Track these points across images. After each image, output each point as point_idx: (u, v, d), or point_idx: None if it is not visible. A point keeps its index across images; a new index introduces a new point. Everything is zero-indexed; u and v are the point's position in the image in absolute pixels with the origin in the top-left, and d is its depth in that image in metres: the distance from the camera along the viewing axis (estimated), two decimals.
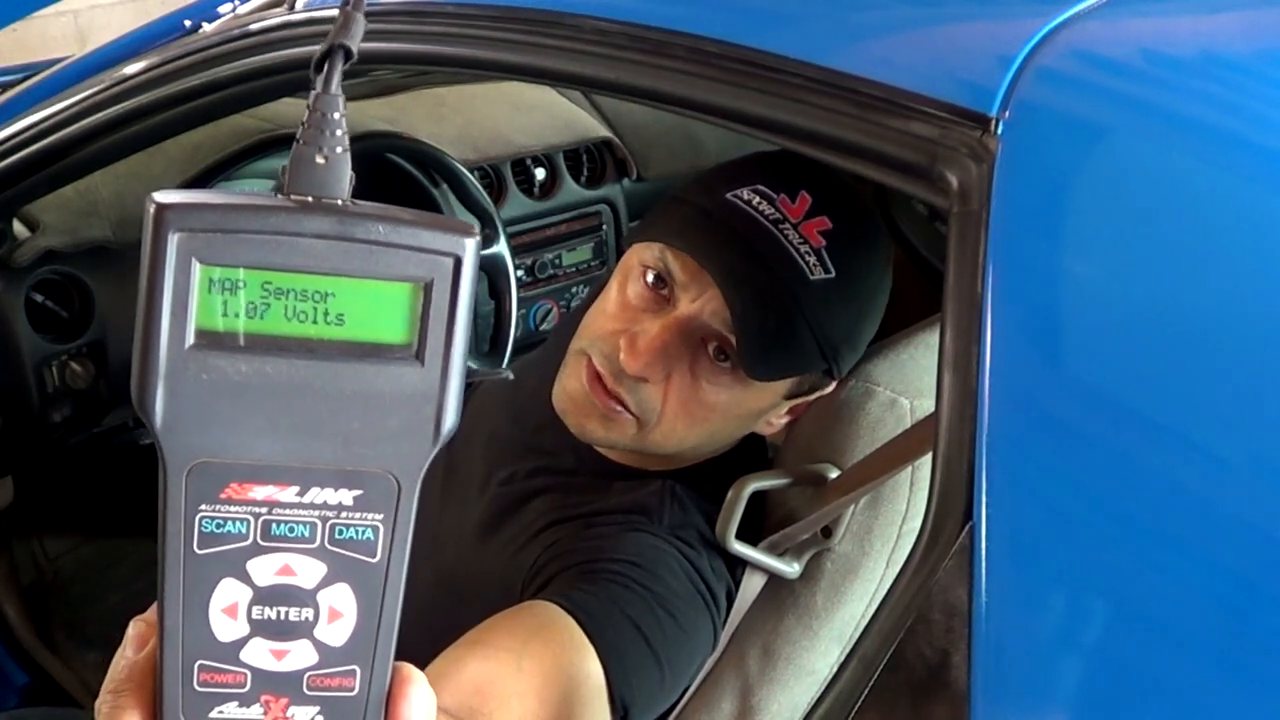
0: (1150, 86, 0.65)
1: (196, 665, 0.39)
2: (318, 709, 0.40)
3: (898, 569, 0.73)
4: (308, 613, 0.39)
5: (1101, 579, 0.57)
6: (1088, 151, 0.63)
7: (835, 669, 0.84)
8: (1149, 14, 0.74)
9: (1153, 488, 0.57)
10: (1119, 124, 0.64)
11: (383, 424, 0.38)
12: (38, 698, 1.48)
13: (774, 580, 0.89)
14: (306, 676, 0.40)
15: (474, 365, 1.61)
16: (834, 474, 0.87)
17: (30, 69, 1.43)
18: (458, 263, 0.37)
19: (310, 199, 0.37)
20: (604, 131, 1.83)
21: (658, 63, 0.75)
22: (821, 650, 0.88)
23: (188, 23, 1.11)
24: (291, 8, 0.99)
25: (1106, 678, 0.57)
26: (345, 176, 0.38)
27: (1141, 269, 0.59)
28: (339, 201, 0.37)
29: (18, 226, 1.36)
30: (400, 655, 0.43)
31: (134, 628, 0.43)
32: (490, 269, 1.61)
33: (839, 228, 0.86)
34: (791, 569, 0.87)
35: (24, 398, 1.39)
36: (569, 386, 0.92)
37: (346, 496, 0.38)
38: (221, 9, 1.11)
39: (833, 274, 0.85)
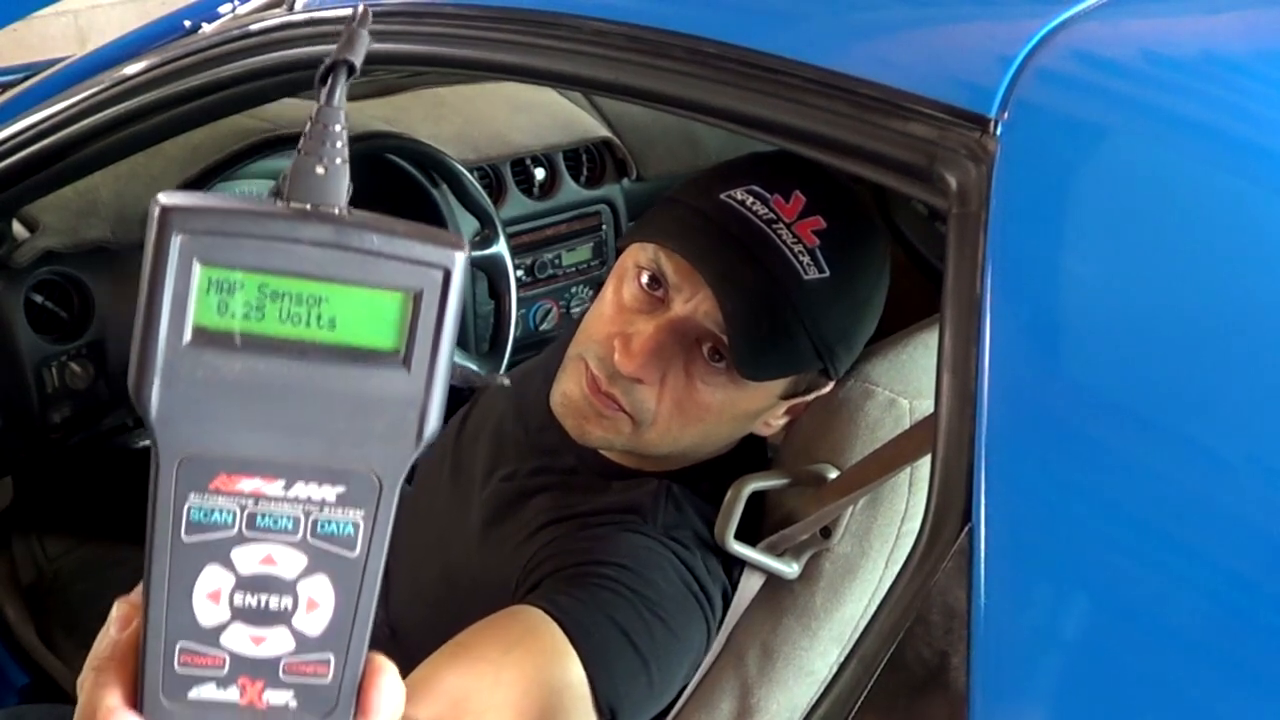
0: (1150, 87, 0.65)
1: (178, 647, 0.41)
2: (292, 694, 0.42)
3: (897, 569, 0.73)
4: (287, 601, 0.41)
5: (1101, 580, 0.57)
6: (1087, 152, 0.63)
7: (834, 669, 0.84)
8: (1149, 14, 0.74)
9: (1152, 488, 0.57)
10: (1118, 124, 0.64)
11: (368, 425, 0.40)
12: (38, 698, 1.48)
13: (773, 580, 0.89)
14: (283, 662, 0.41)
15: (473, 366, 1.61)
16: (833, 474, 0.87)
17: (30, 69, 1.43)
18: (447, 275, 0.39)
19: (308, 207, 0.38)
20: (604, 131, 1.83)
21: (657, 63, 0.75)
22: (820, 650, 0.88)
23: (188, 23, 1.11)
24: (291, 8, 0.99)
25: (1106, 679, 0.57)
26: (343, 186, 0.39)
27: (1141, 270, 0.59)
28: (336, 210, 0.39)
29: (17, 227, 1.36)
30: (408, 649, 0.43)
31: (118, 608, 0.44)
32: (490, 269, 1.61)
33: (833, 227, 0.86)
34: (791, 569, 0.87)
35: (24, 398, 1.39)
36: (567, 390, 0.92)
37: (330, 493, 0.40)
38: (221, 9, 1.11)
39: (827, 274, 0.85)
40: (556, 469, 0.99)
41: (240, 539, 0.40)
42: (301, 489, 0.40)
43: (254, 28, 1.00)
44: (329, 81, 0.40)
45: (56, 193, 1.23)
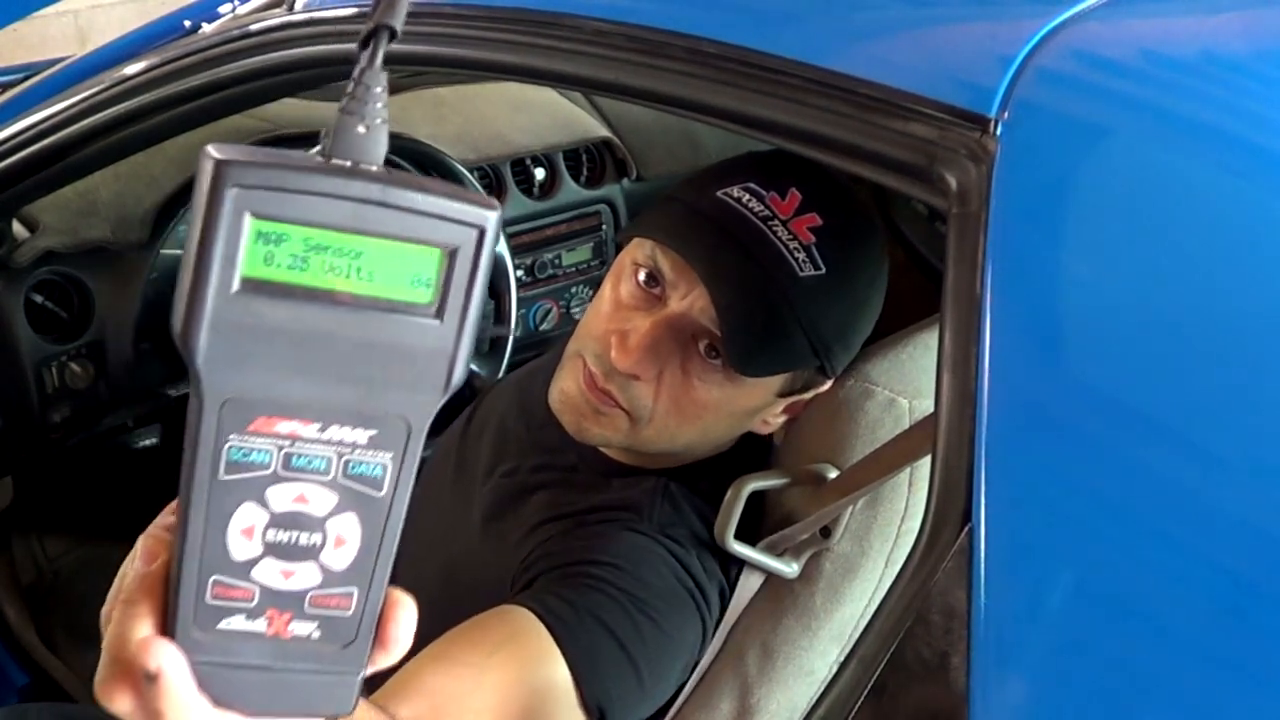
0: (1150, 87, 0.65)
1: (211, 580, 0.42)
2: (316, 625, 0.44)
3: (897, 569, 0.73)
4: (316, 538, 0.43)
5: (1100, 580, 0.57)
6: (1087, 152, 0.63)
7: (834, 669, 0.84)
8: (1149, 14, 0.74)
9: (1152, 488, 0.57)
10: (1118, 124, 0.64)
11: (401, 373, 0.42)
12: (37, 698, 1.48)
13: (772, 580, 0.89)
14: (309, 595, 0.44)
15: (473, 367, 1.61)
16: (833, 474, 0.87)
17: (30, 69, 1.43)
18: (481, 233, 0.41)
19: (350, 164, 0.40)
20: (604, 131, 1.83)
21: (656, 63, 0.75)
22: (820, 650, 0.88)
23: (188, 23, 1.11)
24: (291, 8, 0.99)
25: (1105, 679, 0.57)
26: (383, 145, 0.41)
27: (1140, 269, 0.59)
28: (375, 168, 0.40)
29: (17, 227, 1.35)
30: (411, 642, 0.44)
31: (143, 543, 0.45)
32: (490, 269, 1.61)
33: (829, 224, 0.86)
34: (790, 569, 0.87)
35: (24, 398, 1.39)
36: (565, 388, 0.93)
37: (362, 435, 0.42)
38: (221, 9, 1.11)
39: (823, 270, 0.85)
40: (557, 466, 0.99)
41: (275, 478, 0.42)
42: (336, 431, 0.42)
43: (254, 28, 1.00)
44: (371, 45, 0.41)
45: (56, 193, 1.23)
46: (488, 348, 1.66)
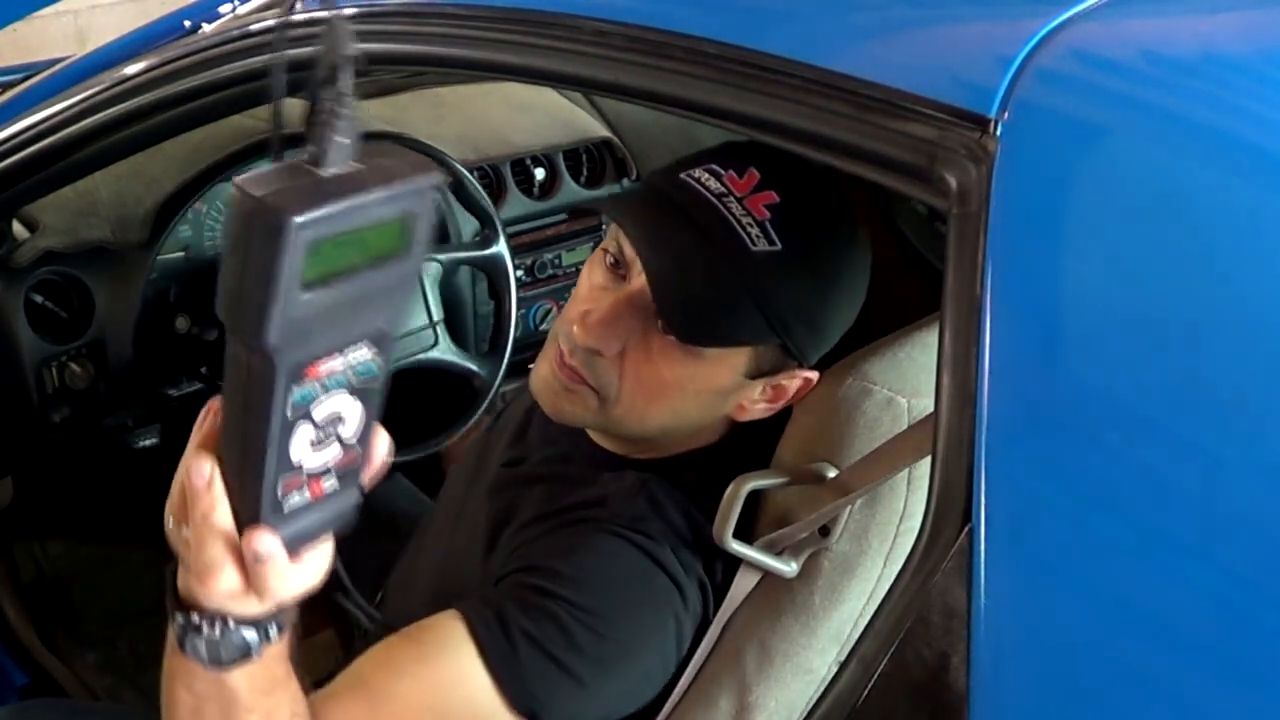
0: (1149, 87, 0.65)
1: (280, 480, 0.60)
2: (336, 479, 0.62)
3: (896, 568, 0.73)
4: (340, 426, 0.61)
5: (1100, 580, 0.57)
6: (1087, 152, 0.63)
7: (833, 668, 0.84)
8: (1148, 14, 0.74)
9: (1151, 488, 0.57)
10: (1118, 125, 0.64)
11: (386, 298, 0.59)
12: (37, 697, 1.48)
13: (770, 578, 0.89)
14: (333, 462, 0.62)
15: (474, 367, 1.61)
16: (832, 473, 0.87)
17: (30, 69, 1.42)
18: (428, 192, 0.56)
19: (345, 171, 0.54)
20: (604, 131, 1.83)
21: (657, 64, 0.75)
22: (819, 648, 0.88)
23: (188, 23, 1.11)
24: (291, 8, 0.99)
25: (1105, 679, 0.57)
26: (357, 144, 0.55)
27: (1140, 270, 0.59)
28: (359, 170, 0.54)
29: (17, 227, 1.36)
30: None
31: (192, 461, 0.61)
32: (490, 269, 1.61)
33: (787, 202, 0.87)
34: (789, 568, 0.87)
35: (24, 398, 1.39)
36: (541, 371, 0.96)
37: (366, 350, 0.59)
38: (221, 9, 1.11)
39: (778, 246, 0.86)
40: (556, 458, 1.01)
41: (319, 403, 0.59)
42: (351, 355, 0.59)
43: (254, 28, 1.00)
44: (334, 78, 0.53)
45: (56, 193, 1.23)
46: (488, 348, 1.66)
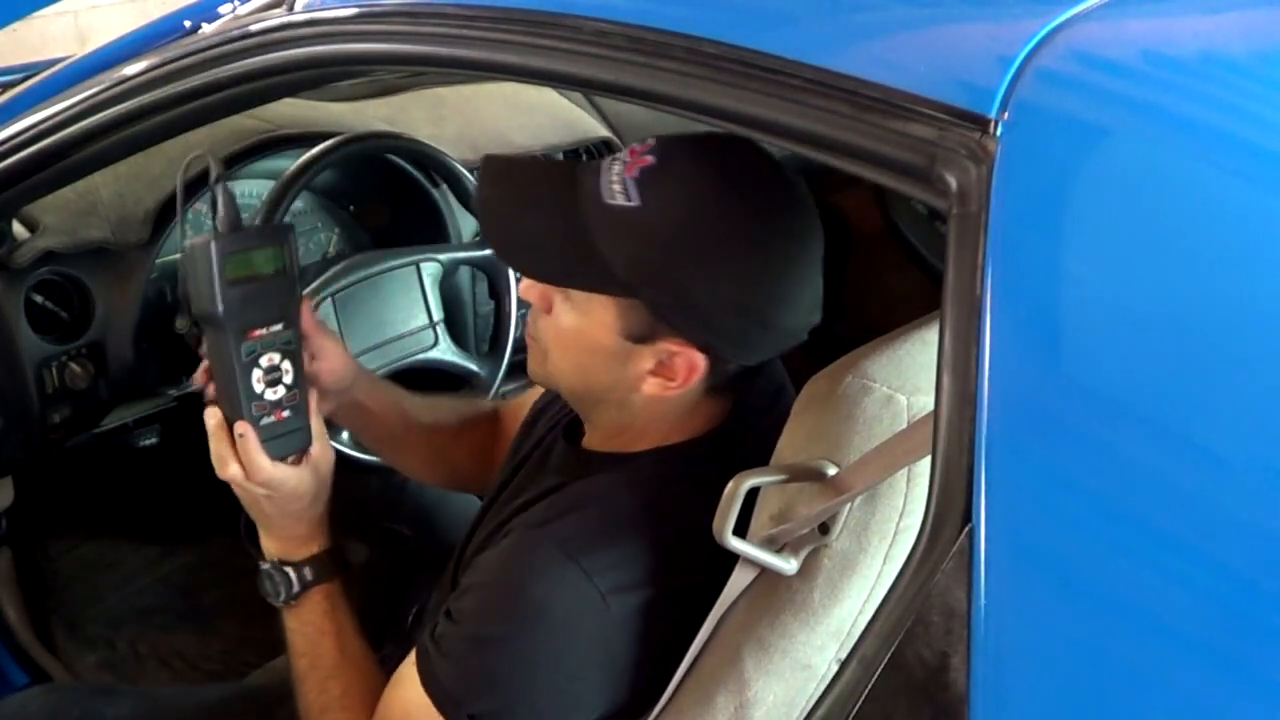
0: (1150, 87, 0.65)
1: (252, 403, 1.01)
2: (289, 410, 1.04)
3: (895, 565, 0.73)
4: (280, 373, 1.03)
5: (1100, 580, 0.57)
6: (1087, 153, 0.63)
7: (832, 665, 0.84)
8: (1149, 14, 0.74)
9: (1152, 489, 0.57)
10: (1118, 125, 0.64)
11: (279, 290, 1.03)
12: None
13: (768, 575, 0.89)
14: (284, 396, 1.03)
15: (473, 367, 1.62)
16: (831, 470, 0.87)
17: (30, 69, 1.43)
18: (288, 235, 1.05)
19: (235, 232, 1.01)
20: (604, 131, 1.83)
21: (657, 64, 0.75)
22: (819, 645, 0.88)
23: (188, 23, 1.11)
24: (291, 8, 0.99)
25: (1105, 679, 0.57)
26: (235, 212, 1.02)
27: (1141, 270, 0.59)
28: (249, 228, 1.04)
29: (17, 227, 1.36)
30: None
31: (209, 417, 1.04)
32: (490, 269, 1.61)
33: (659, 167, 0.88)
34: (789, 565, 0.87)
35: (24, 398, 1.39)
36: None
37: (281, 326, 1.03)
38: (221, 9, 1.11)
39: (635, 203, 0.88)
40: (544, 444, 1.10)
41: (262, 353, 1.02)
42: (273, 327, 1.03)
43: (254, 28, 1.00)
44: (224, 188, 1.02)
45: (56, 193, 1.23)
46: (488, 348, 1.66)
